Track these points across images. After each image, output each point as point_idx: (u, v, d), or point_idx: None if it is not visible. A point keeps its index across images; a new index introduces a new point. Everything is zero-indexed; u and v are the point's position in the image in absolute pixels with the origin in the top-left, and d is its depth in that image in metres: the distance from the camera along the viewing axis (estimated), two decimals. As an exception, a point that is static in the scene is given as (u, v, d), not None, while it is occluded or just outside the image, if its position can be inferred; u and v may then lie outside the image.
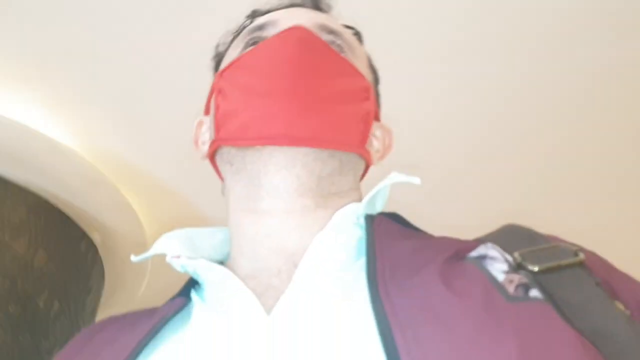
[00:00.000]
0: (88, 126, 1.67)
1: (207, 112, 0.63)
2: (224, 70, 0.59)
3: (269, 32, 0.60)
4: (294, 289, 0.46)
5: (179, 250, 0.53)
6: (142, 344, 0.46)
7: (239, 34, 0.65)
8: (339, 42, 0.60)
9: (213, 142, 0.57)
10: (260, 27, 0.61)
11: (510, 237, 0.47)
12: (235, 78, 0.57)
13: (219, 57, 0.68)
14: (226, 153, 0.55)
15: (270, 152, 0.51)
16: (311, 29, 0.58)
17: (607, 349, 0.36)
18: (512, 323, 0.36)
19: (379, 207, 0.55)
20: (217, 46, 0.68)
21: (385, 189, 0.54)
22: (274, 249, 0.51)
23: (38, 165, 1.64)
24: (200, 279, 0.52)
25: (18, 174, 1.64)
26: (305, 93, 0.53)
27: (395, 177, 0.53)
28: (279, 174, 0.51)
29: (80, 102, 1.55)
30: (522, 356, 0.34)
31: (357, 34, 0.68)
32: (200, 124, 0.64)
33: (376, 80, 0.67)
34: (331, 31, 0.61)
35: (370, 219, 0.50)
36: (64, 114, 1.62)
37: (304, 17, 0.61)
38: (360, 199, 0.56)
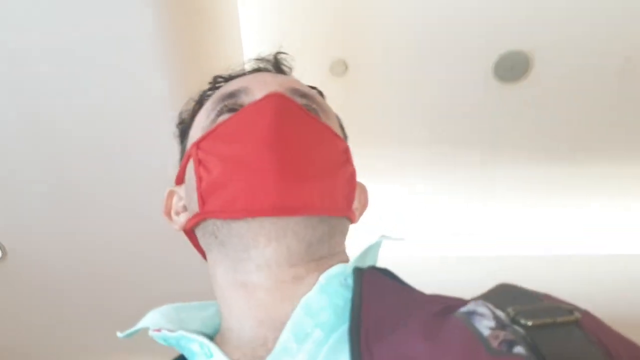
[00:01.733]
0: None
1: (179, 182, 0.61)
2: (200, 140, 0.57)
3: (243, 100, 0.59)
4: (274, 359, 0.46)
5: (161, 323, 0.53)
6: None
7: (202, 101, 0.64)
8: (313, 105, 0.60)
9: (197, 215, 0.55)
10: (232, 95, 0.60)
11: (504, 294, 0.46)
12: (216, 148, 0.55)
13: (184, 125, 0.66)
14: (210, 225, 0.54)
15: (259, 223, 0.50)
16: (286, 94, 0.58)
17: None
18: None
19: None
20: (181, 113, 0.66)
21: (374, 249, 0.54)
22: (263, 320, 0.50)
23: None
24: (184, 352, 0.52)
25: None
26: (291, 163, 0.52)
27: (384, 237, 0.55)
28: (269, 246, 0.50)
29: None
30: None
31: (321, 93, 0.68)
32: (171, 194, 0.62)
33: (345, 136, 0.66)
34: (303, 94, 0.60)
35: (359, 273, 0.49)
36: None
37: (274, 83, 0.60)
38: (347, 259, 0.56)
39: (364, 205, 0.64)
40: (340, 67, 1.82)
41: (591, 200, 2.23)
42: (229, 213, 0.51)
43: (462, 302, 0.45)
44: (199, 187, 0.54)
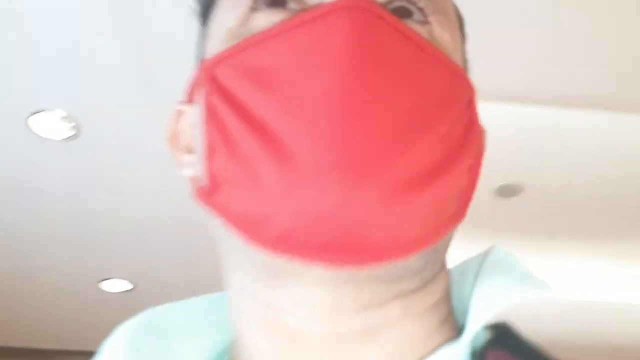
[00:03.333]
0: None
1: (189, 101, 0.37)
2: (217, 63, 0.33)
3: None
4: None
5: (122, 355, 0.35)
6: None
7: None
8: (420, 4, 0.34)
9: (204, 196, 0.33)
10: None
11: None
12: (243, 92, 0.32)
13: (206, 1, 0.40)
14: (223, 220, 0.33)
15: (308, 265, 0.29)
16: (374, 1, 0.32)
17: None
18: None
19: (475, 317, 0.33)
20: None
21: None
22: None
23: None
24: None
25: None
26: (380, 161, 0.29)
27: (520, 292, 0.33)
28: (321, 287, 0.30)
29: None
30: None
31: None
32: (179, 113, 0.39)
33: (463, 37, 0.40)
34: None
35: None
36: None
37: None
38: (444, 284, 0.35)
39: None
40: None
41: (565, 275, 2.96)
42: (258, 236, 0.30)
43: None
44: (209, 160, 0.33)
